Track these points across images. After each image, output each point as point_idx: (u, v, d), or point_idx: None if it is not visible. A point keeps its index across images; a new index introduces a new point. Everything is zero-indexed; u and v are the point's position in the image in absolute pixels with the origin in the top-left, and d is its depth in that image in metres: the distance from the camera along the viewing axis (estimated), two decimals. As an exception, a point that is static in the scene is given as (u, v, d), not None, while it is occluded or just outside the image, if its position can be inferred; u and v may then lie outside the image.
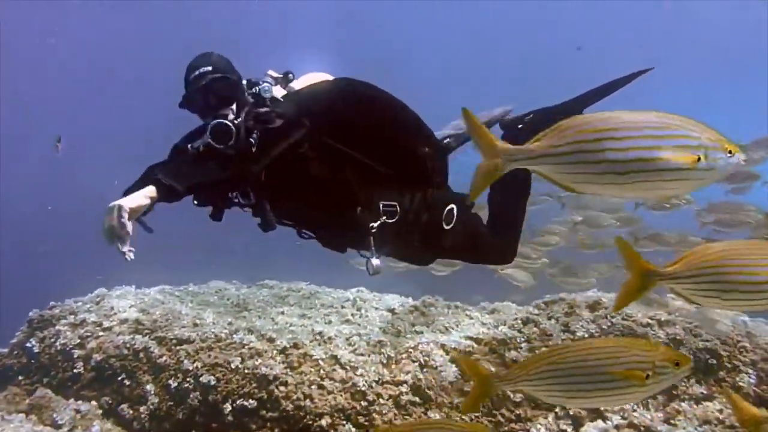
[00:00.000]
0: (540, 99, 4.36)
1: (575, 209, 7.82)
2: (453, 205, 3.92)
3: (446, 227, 3.90)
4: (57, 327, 5.65)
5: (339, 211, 3.67)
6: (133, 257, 3.28)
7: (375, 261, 3.72)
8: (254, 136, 3.35)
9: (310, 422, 4.81)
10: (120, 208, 2.94)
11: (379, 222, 3.67)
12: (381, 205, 3.69)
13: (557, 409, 4.88)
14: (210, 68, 3.45)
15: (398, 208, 3.72)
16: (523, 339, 5.47)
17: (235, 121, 3.38)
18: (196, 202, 3.59)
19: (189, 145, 3.46)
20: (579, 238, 7.63)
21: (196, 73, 3.45)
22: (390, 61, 23.41)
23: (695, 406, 4.79)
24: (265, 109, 3.43)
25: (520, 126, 4.30)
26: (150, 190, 3.10)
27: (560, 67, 21.94)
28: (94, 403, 4.98)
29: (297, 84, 3.74)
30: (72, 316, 5.67)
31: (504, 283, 8.37)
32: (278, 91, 3.63)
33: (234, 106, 3.48)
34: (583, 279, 7.18)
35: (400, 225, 3.74)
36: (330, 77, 3.92)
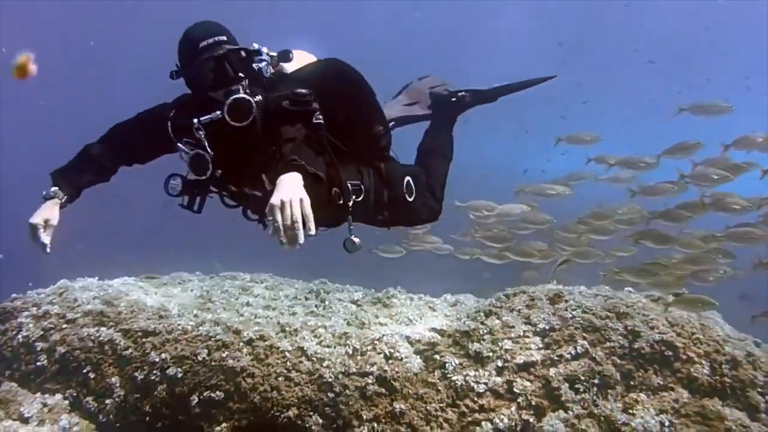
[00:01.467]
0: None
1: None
2: (408, 177, 4.08)
3: (409, 199, 4.06)
4: (19, 319, 5.57)
5: (321, 192, 3.70)
6: (49, 251, 3.30)
7: (355, 239, 3.78)
8: (319, 117, 3.36)
9: (278, 414, 4.85)
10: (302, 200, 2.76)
11: (351, 201, 3.74)
12: (350, 185, 3.74)
13: (519, 400, 4.99)
14: (224, 38, 3.37)
15: (362, 186, 3.80)
16: (485, 331, 5.57)
17: (256, 99, 3.33)
18: (173, 193, 3.56)
19: (195, 119, 3.33)
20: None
21: (210, 41, 3.33)
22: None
23: (652, 396, 4.95)
24: (304, 90, 3.37)
25: (453, 99, 4.64)
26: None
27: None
28: (60, 396, 4.95)
29: (288, 65, 3.73)
30: (35, 308, 5.60)
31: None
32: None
33: (246, 82, 3.40)
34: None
35: (365, 202, 3.83)
36: (313, 57, 3.96)
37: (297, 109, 3.36)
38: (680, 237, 7.09)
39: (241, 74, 3.39)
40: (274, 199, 2.73)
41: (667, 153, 7.50)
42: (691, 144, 7.33)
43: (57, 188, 3.48)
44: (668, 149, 7.47)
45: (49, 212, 3.38)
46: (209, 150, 3.40)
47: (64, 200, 3.48)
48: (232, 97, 3.29)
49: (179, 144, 3.49)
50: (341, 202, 3.71)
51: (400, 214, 4.17)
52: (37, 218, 3.32)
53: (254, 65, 3.48)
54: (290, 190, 2.79)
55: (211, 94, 3.36)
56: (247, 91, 3.39)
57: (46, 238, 3.31)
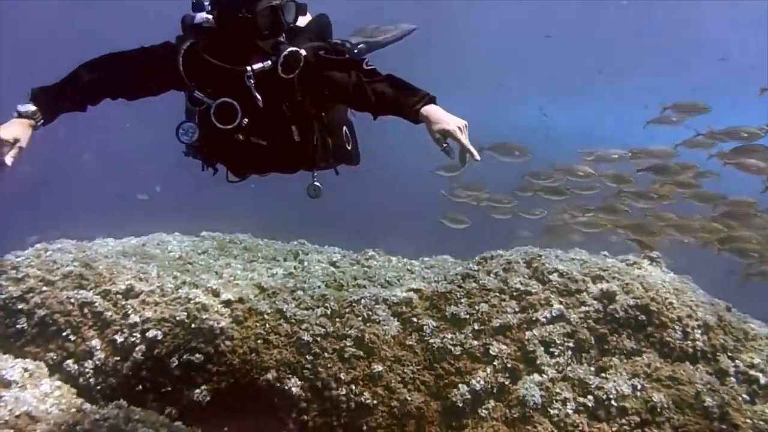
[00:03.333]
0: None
1: None
2: (345, 127, 4.28)
3: (348, 147, 4.29)
4: (-2, 281, 5.53)
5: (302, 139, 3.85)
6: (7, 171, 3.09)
7: (317, 184, 4.06)
8: (370, 64, 3.57)
9: (257, 376, 4.91)
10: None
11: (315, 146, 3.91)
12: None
13: (495, 363, 5.07)
14: None
15: (315, 134, 3.91)
16: (462, 294, 5.63)
17: (303, 51, 3.49)
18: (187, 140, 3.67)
19: (249, 67, 3.43)
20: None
21: None
22: None
23: (625, 360, 5.05)
24: (339, 40, 3.72)
25: (355, 51, 4.86)
26: None
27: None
28: (40, 360, 4.94)
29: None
30: (13, 271, 5.53)
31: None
32: None
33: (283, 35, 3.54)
34: None
35: (317, 148, 3.95)
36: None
37: (344, 58, 3.63)
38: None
39: (291, 25, 3.51)
40: (451, 126, 3.11)
41: None
42: None
43: (36, 109, 3.31)
44: None
45: (21, 132, 3.19)
46: (259, 99, 3.50)
47: (39, 124, 3.33)
48: (288, 50, 3.43)
49: (197, 91, 3.56)
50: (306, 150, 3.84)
51: (341, 160, 4.36)
52: (6, 133, 3.12)
53: (295, 17, 3.57)
54: (455, 118, 3.17)
55: (260, 43, 3.45)
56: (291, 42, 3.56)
57: (9, 158, 3.10)
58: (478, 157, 3.14)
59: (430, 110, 3.22)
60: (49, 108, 3.39)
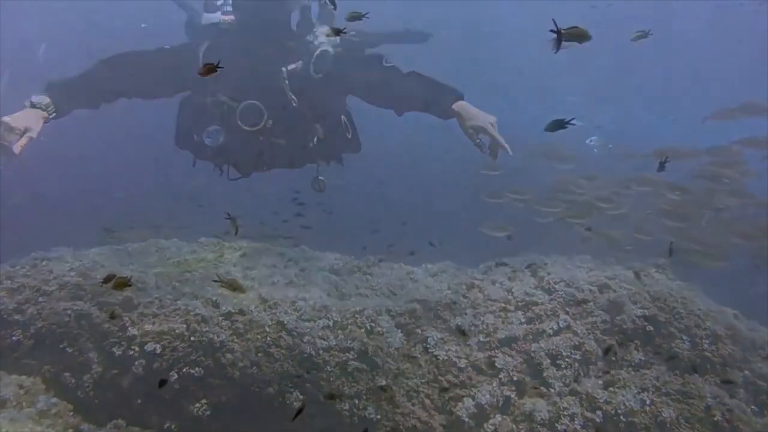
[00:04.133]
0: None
1: None
2: (343, 116, 4.26)
3: (349, 137, 4.29)
4: (-7, 293, 5.42)
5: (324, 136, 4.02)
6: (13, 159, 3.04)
7: (322, 177, 4.03)
8: (389, 61, 3.72)
9: (258, 390, 4.81)
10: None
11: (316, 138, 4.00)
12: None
13: (501, 375, 4.99)
14: None
15: (338, 129, 4.09)
16: (467, 304, 5.54)
17: (330, 49, 3.62)
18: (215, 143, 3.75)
19: (284, 68, 3.54)
20: None
21: None
22: None
23: (634, 373, 4.96)
24: (357, 39, 3.83)
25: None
26: None
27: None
28: (36, 376, 4.83)
29: None
30: (9, 281, 5.44)
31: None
32: None
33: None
34: None
35: (341, 143, 4.13)
36: None
37: (365, 55, 3.74)
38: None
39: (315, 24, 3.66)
40: (483, 122, 3.22)
41: None
42: None
43: (50, 101, 3.29)
44: None
45: (33, 122, 3.15)
46: (294, 99, 3.61)
47: (51, 117, 3.30)
48: (320, 49, 3.54)
49: (219, 93, 3.57)
50: (311, 144, 3.85)
51: (342, 148, 4.38)
52: (19, 122, 3.08)
53: (319, 15, 3.75)
54: (485, 114, 3.28)
55: (290, 43, 3.59)
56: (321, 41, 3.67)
57: (18, 147, 3.05)
58: (510, 152, 3.22)
59: (461, 107, 3.33)
60: (63, 102, 3.40)
